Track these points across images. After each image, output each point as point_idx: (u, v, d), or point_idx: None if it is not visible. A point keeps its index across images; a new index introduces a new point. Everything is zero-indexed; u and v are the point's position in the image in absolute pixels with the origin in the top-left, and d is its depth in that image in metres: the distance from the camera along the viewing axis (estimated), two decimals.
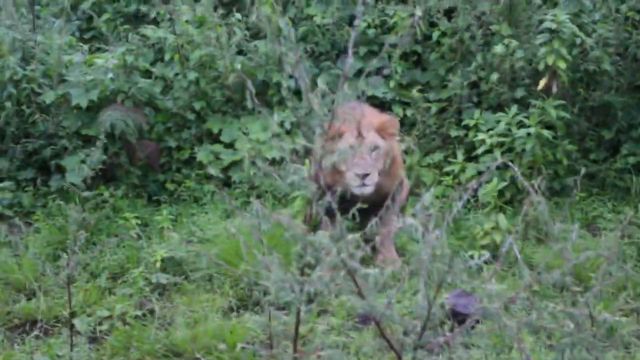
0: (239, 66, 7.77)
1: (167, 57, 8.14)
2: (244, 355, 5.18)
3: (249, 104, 2.92)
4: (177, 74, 7.97)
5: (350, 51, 3.15)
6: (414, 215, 3.06)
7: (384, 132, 6.23)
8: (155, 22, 8.82)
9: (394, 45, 8.35)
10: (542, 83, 7.20)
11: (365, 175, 6.02)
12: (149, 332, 5.60)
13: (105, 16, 9.17)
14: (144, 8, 9.26)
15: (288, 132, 7.77)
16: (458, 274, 2.66)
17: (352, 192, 5.95)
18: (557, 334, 3.08)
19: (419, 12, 3.05)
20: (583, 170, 5.68)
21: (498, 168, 7.06)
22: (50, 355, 5.29)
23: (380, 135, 6.21)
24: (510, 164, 3.74)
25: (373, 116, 6.36)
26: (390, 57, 7.92)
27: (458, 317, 5.46)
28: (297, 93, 7.79)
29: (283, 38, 7.81)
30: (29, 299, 6.19)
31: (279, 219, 3.30)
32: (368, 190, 6.04)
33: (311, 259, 2.95)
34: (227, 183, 7.66)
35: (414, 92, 7.88)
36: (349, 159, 6.06)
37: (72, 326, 5.42)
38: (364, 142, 6.09)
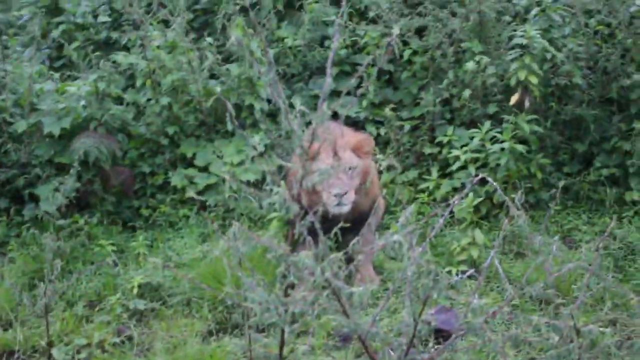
0: (218, 89, 7.75)
1: (138, 83, 8.10)
2: None
3: (228, 126, 2.93)
4: (149, 100, 7.94)
5: (328, 71, 3.17)
6: (395, 232, 3.04)
7: (360, 151, 6.23)
8: (126, 48, 8.81)
9: (369, 65, 8.38)
10: (514, 98, 7.24)
11: (342, 195, 6.01)
12: (128, 359, 5.56)
13: (75, 44, 9.13)
14: (114, 35, 9.23)
15: (262, 154, 7.74)
16: (443, 290, 2.66)
17: (329, 212, 5.96)
18: (540, 346, 3.09)
19: (396, 30, 3.06)
20: (561, 184, 5.70)
21: (471, 183, 7.08)
22: None
23: (356, 155, 6.21)
24: (489, 179, 3.75)
25: (349, 135, 6.36)
26: (369, 76, 7.95)
27: (439, 333, 5.47)
28: (270, 115, 7.83)
29: (256, 61, 7.81)
30: (5, 330, 6.13)
31: (261, 241, 3.29)
32: (345, 209, 6.04)
33: (294, 280, 2.94)
34: (201, 207, 7.64)
35: (387, 111, 7.90)
36: (324, 179, 6.05)
37: (50, 356, 5.37)
38: (340, 161, 6.09)
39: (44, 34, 9.46)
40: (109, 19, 9.51)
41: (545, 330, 2.99)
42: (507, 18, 8.02)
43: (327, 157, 6.04)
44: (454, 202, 3.67)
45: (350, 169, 6.11)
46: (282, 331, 3.13)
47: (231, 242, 4.18)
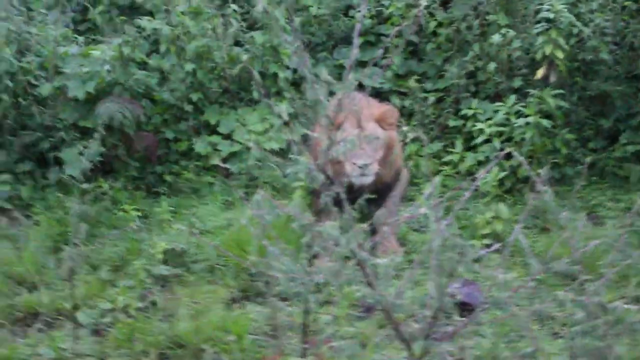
0: (244, 57, 7.74)
1: (162, 48, 8.09)
2: (250, 346, 5.18)
3: (254, 94, 2.94)
4: (173, 65, 7.92)
5: (355, 41, 3.16)
6: (422, 205, 3.06)
7: (384, 122, 6.23)
8: (150, 13, 8.81)
9: (395, 36, 8.36)
10: (540, 72, 7.21)
11: (365, 166, 6.01)
12: (153, 324, 5.60)
13: (99, 7, 9.10)
14: None
15: (286, 123, 7.76)
16: (469, 263, 2.66)
17: (352, 182, 5.98)
18: (564, 321, 3.10)
19: (424, 2, 3.03)
20: (588, 160, 5.66)
21: (497, 157, 7.09)
22: (54, 348, 5.27)
23: (380, 126, 6.21)
24: (514, 153, 3.74)
25: (373, 107, 6.36)
26: (394, 47, 7.94)
27: (463, 306, 5.47)
28: (294, 84, 7.82)
29: (281, 29, 7.80)
30: (30, 292, 6.17)
31: (286, 210, 3.31)
32: (368, 180, 6.05)
33: (319, 250, 2.96)
34: (225, 174, 7.65)
35: (411, 82, 7.88)
36: (348, 150, 6.09)
37: (74, 319, 5.41)
38: (363, 132, 6.09)
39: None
40: None
41: (571, 306, 3.00)
42: None
43: (352, 128, 6.05)
44: (480, 175, 3.68)
45: (373, 139, 6.10)
46: (307, 300, 3.15)
47: (256, 211, 4.20)
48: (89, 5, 8.92)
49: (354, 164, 6.01)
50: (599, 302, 2.89)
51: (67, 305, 5.86)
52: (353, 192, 6.06)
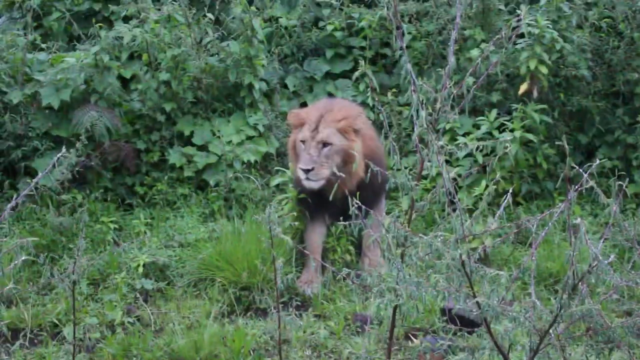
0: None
1: (124, 56, 7.82)
2: None
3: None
4: (145, 74, 7.65)
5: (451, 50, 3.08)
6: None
7: (344, 128, 6.11)
8: (108, 20, 8.57)
9: (362, 48, 8.32)
10: (523, 87, 7.19)
11: (307, 171, 5.95)
12: (147, 339, 5.41)
13: (55, 14, 8.80)
14: (96, 6, 8.93)
15: (261, 135, 7.61)
16: (601, 275, 2.58)
17: (302, 186, 6.06)
18: None
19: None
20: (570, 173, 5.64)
21: (478, 172, 7.08)
22: None
23: (339, 132, 6.09)
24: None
25: (338, 111, 6.23)
26: (365, 59, 7.89)
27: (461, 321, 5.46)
28: (265, 95, 7.64)
29: (255, 39, 7.64)
30: (8, 307, 5.91)
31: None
32: (313, 185, 6.01)
33: (429, 260, 2.84)
34: (200, 186, 7.44)
35: (389, 95, 7.82)
36: (300, 153, 6.04)
37: (73, 335, 5.18)
38: (315, 136, 6.02)
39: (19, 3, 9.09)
40: None
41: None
42: (506, 7, 7.98)
43: (308, 131, 6.01)
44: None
45: (325, 145, 6.02)
46: (394, 312, 3.02)
47: (266, 224, 4.07)
48: (39, 12, 8.61)
49: (299, 167, 5.99)
50: None
51: (50, 319, 5.67)
52: (319, 198, 6.08)
